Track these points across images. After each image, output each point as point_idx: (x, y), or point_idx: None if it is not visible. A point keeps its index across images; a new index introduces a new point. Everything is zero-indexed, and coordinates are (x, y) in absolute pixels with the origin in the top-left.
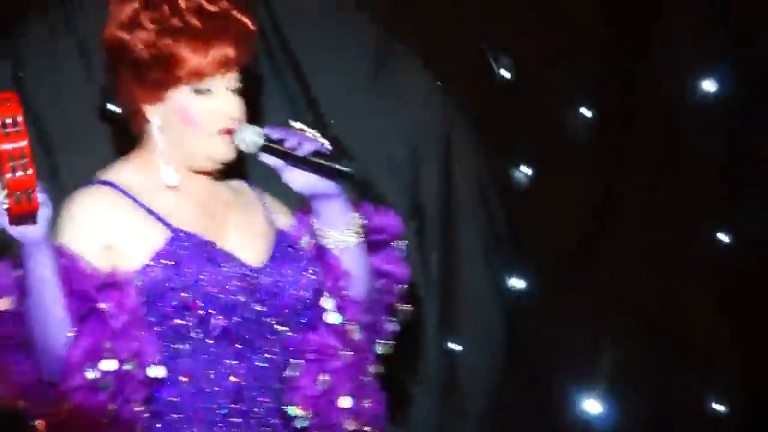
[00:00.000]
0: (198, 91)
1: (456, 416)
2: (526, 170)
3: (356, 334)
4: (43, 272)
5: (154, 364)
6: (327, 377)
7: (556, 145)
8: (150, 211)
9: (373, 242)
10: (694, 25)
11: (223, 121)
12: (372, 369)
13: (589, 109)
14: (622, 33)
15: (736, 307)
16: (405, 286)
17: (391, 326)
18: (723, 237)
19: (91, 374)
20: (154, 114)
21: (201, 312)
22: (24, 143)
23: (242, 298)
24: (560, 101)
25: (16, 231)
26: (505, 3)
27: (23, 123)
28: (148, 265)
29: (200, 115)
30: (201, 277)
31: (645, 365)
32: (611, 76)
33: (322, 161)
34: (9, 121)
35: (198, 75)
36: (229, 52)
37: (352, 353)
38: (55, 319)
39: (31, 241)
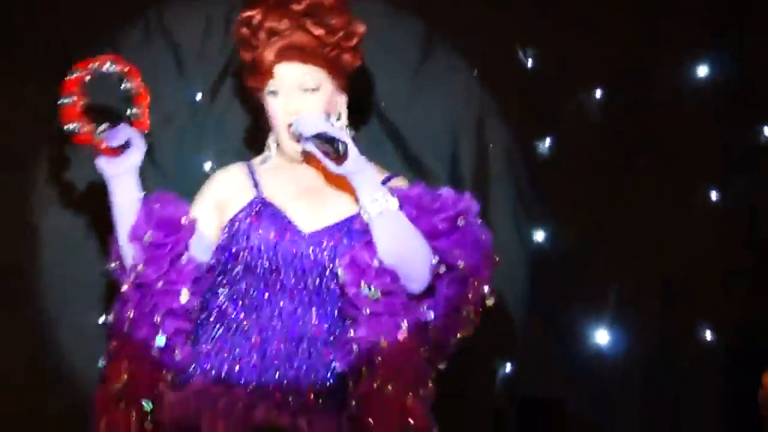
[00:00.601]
0: (270, 93)
1: (488, 348)
2: (547, 143)
3: (373, 295)
4: (117, 203)
5: (184, 289)
6: (352, 333)
7: (574, 122)
8: (255, 183)
9: (441, 223)
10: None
11: (286, 117)
12: (401, 333)
13: (601, 93)
14: (629, 26)
15: (725, 253)
16: (471, 264)
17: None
18: (715, 196)
19: (124, 288)
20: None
21: (247, 259)
22: (75, 86)
23: (285, 255)
24: (577, 86)
25: (96, 162)
26: (532, 3)
27: (85, 75)
28: (231, 218)
29: (274, 113)
30: (259, 232)
31: (647, 302)
32: (620, 65)
33: (324, 140)
34: (78, 71)
35: (260, 77)
36: (270, 56)
37: (372, 314)
38: (122, 239)
39: (107, 175)
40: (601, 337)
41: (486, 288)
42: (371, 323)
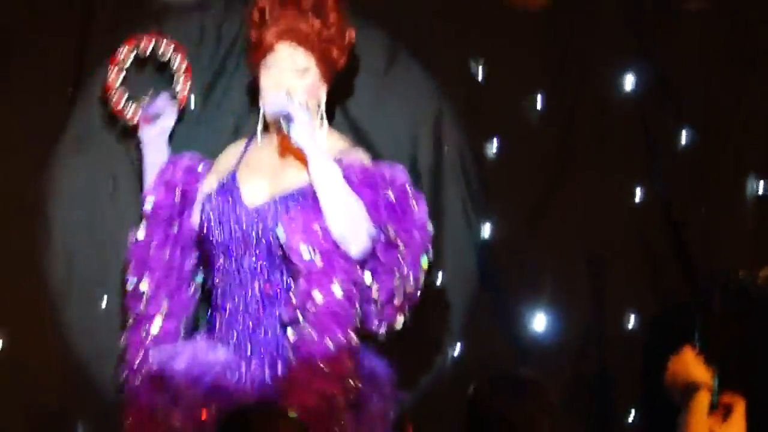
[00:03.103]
0: (265, 67)
1: (440, 330)
2: (494, 144)
3: (307, 255)
4: (148, 163)
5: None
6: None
7: (517, 127)
8: (240, 157)
9: (377, 194)
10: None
11: (272, 92)
12: (334, 288)
13: (542, 101)
14: (566, 43)
15: (648, 245)
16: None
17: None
18: (639, 193)
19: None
20: None
21: (204, 231)
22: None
23: (229, 228)
24: (521, 95)
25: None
26: (483, 20)
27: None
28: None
29: (263, 87)
30: (212, 204)
31: (579, 289)
32: (559, 76)
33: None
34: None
35: (261, 52)
36: (273, 34)
37: (310, 272)
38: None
39: (142, 139)
40: (539, 321)
41: (422, 255)
42: (309, 278)
